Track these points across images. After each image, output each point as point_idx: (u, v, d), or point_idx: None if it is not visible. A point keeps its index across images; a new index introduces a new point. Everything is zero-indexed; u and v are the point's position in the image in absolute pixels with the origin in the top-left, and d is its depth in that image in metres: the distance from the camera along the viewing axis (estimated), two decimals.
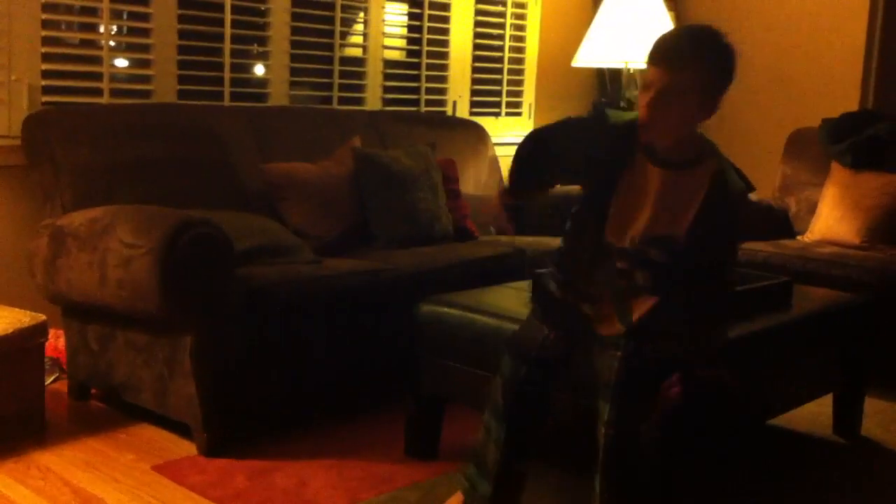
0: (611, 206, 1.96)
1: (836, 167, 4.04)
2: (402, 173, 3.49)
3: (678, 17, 4.80)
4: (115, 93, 3.40)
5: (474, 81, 4.66)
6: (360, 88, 4.20)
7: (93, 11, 3.36)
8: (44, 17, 3.20)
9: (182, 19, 3.54)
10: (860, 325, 2.92)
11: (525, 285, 2.62)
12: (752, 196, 4.13)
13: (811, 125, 4.32)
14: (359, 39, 4.25)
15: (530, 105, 4.92)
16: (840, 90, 4.67)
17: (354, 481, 2.45)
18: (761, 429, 2.91)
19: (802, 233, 4.06)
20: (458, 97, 4.58)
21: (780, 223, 4.18)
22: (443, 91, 4.53)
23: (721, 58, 1.91)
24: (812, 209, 4.07)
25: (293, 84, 3.97)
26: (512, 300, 2.58)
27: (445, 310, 2.55)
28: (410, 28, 4.43)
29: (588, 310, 2.03)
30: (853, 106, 4.55)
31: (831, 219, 3.91)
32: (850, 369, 2.92)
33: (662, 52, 1.89)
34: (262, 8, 3.81)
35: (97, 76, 3.36)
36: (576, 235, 2.05)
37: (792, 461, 2.78)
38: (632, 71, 4.72)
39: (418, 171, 3.55)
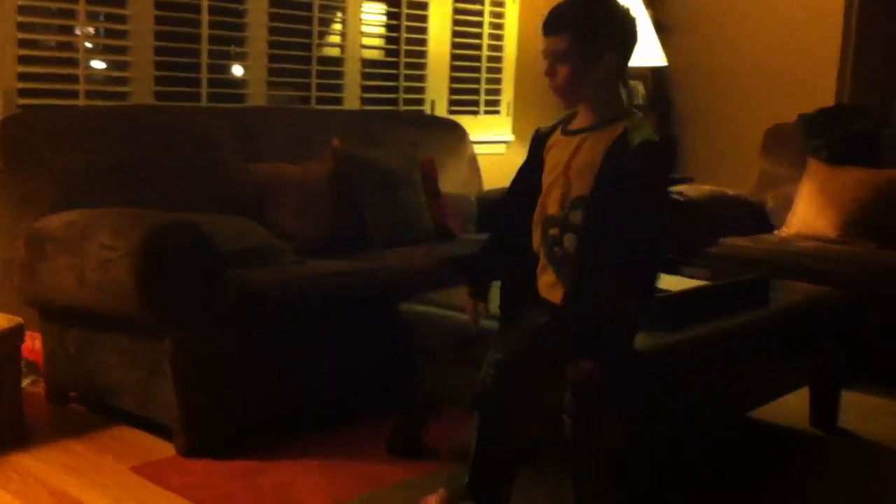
0: (542, 183, 2.08)
1: (812, 162, 4.07)
2: (389, 173, 3.50)
3: (656, 16, 4.82)
4: (91, 95, 3.38)
5: (452, 80, 4.67)
6: (339, 88, 4.20)
7: (69, 14, 3.34)
8: (20, 19, 3.19)
9: (159, 20, 3.53)
10: (837, 318, 2.95)
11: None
12: (729, 191, 4.21)
13: (788, 121, 4.35)
14: (337, 39, 4.25)
15: (509, 104, 4.93)
16: (817, 86, 4.71)
17: (339, 481, 2.45)
18: (740, 421, 2.93)
19: (780, 227, 4.09)
20: (437, 96, 4.58)
21: (758, 218, 4.20)
22: (421, 90, 4.53)
23: (594, 14, 2.02)
24: (789, 204, 4.09)
25: (271, 84, 3.96)
26: (494, 297, 2.58)
27: (428, 308, 2.56)
28: (388, 27, 4.43)
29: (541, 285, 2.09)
30: (829, 101, 4.58)
31: (808, 213, 3.94)
32: (827, 362, 2.94)
33: (545, 21, 2.06)
34: (240, 8, 3.80)
35: (74, 78, 3.34)
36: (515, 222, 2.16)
37: (770, 453, 2.80)
38: None
39: (400, 169, 3.55)
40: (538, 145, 2.15)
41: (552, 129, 2.14)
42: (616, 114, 2.03)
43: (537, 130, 2.20)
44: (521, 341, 2.11)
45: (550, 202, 2.06)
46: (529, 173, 2.16)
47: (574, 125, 2.09)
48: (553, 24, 2.04)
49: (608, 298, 1.92)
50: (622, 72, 2.06)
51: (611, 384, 1.94)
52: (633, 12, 2.08)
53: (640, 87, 5.26)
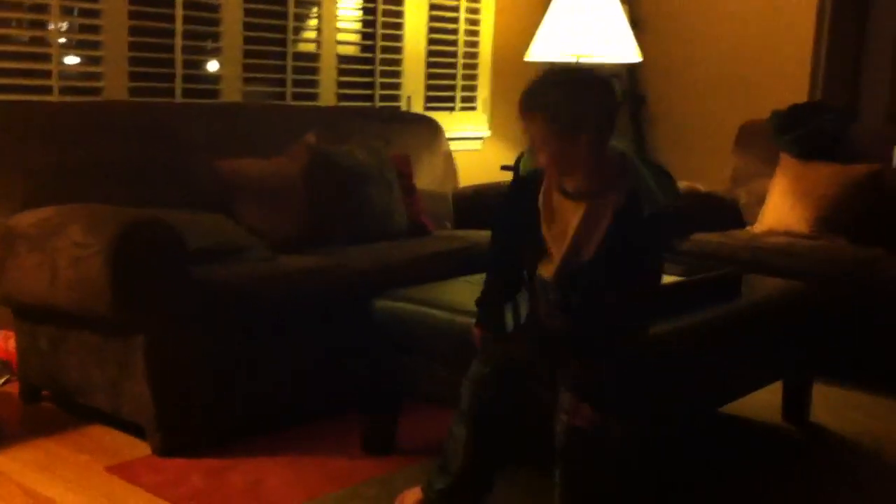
0: (543, 241, 2.08)
1: (785, 158, 4.10)
2: (357, 169, 3.49)
3: (630, 12, 4.84)
4: (64, 90, 3.36)
5: (429, 76, 4.67)
6: (314, 84, 4.19)
7: (42, 8, 3.32)
8: None
9: (133, 16, 3.51)
10: (809, 313, 2.98)
11: (479, 279, 2.64)
12: (701, 188, 4.23)
13: (762, 117, 4.38)
14: (312, 35, 4.24)
15: (485, 100, 4.94)
16: (790, 83, 4.74)
17: (311, 478, 2.46)
18: (712, 416, 2.96)
19: (752, 223, 4.12)
20: (413, 92, 4.58)
21: (730, 214, 4.23)
22: (397, 86, 4.53)
23: (564, 97, 1.97)
24: (762, 200, 4.12)
25: (246, 80, 3.95)
26: (467, 294, 2.59)
27: (401, 305, 2.56)
28: (364, 23, 4.43)
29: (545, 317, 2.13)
30: (802, 98, 4.62)
31: (780, 209, 3.97)
32: (799, 357, 2.97)
33: (520, 103, 2.00)
34: (215, 3, 3.78)
35: (47, 74, 3.32)
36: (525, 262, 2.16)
37: (741, 447, 2.83)
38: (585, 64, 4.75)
39: (372, 166, 3.55)
40: (526, 191, 2.11)
41: (539, 176, 2.10)
42: (612, 175, 2.01)
43: (520, 177, 2.17)
44: (512, 356, 2.15)
45: (554, 261, 2.06)
46: (518, 215, 2.14)
47: (570, 187, 2.05)
48: (527, 103, 2.00)
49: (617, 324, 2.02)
50: (608, 139, 2.02)
51: (612, 390, 2.01)
52: (612, 83, 2.07)
53: (614, 84, 5.28)
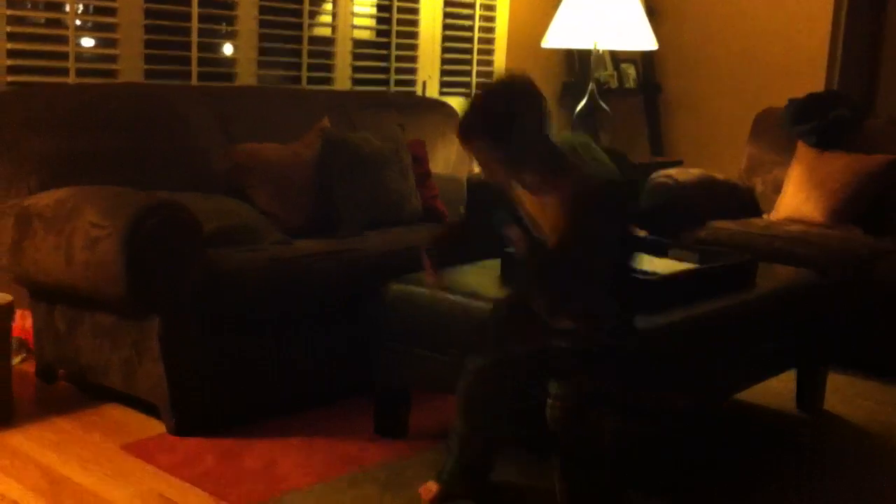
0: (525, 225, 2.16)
1: (801, 147, 4.09)
2: (372, 154, 3.49)
3: (646, 0, 4.83)
4: (81, 72, 3.37)
5: (444, 61, 4.66)
6: (329, 68, 4.19)
7: None
8: None
9: None
10: (823, 302, 2.97)
11: (494, 264, 2.64)
12: (718, 175, 4.22)
13: (778, 106, 4.36)
14: (328, 19, 4.23)
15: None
16: (806, 71, 4.72)
17: (324, 461, 2.47)
18: (726, 403, 2.96)
19: (768, 212, 4.11)
20: (428, 77, 4.58)
21: (746, 202, 4.22)
22: (412, 71, 4.52)
23: (487, 116, 2.05)
24: (778, 189, 4.11)
25: (261, 64, 3.95)
26: (481, 279, 2.60)
27: (414, 289, 2.56)
28: (380, 7, 4.42)
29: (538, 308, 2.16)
30: (819, 86, 4.60)
31: (796, 198, 3.96)
32: (813, 345, 2.96)
33: (458, 136, 2.11)
34: None
35: (63, 55, 3.33)
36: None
37: (756, 435, 2.83)
38: (601, 52, 4.74)
39: (388, 152, 3.55)
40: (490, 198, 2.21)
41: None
42: (561, 161, 2.08)
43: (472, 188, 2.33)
44: (512, 351, 2.18)
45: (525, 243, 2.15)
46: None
47: (526, 183, 2.11)
48: (463, 135, 2.09)
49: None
50: (542, 128, 2.07)
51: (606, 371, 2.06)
52: (526, 79, 2.11)
53: (630, 71, 5.27)
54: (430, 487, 2.26)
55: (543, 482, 2.19)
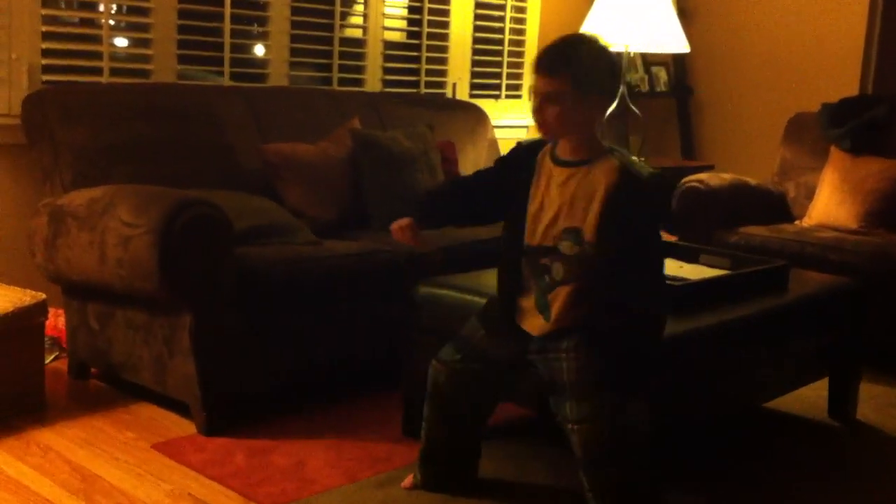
0: (527, 212, 2.09)
1: (835, 151, 4.04)
2: (401, 154, 3.49)
3: (678, 2, 4.79)
4: (114, 72, 3.40)
5: (474, 64, 4.66)
6: (360, 70, 4.20)
7: None
8: None
9: None
10: (856, 309, 2.93)
11: None
12: (750, 180, 4.19)
13: (811, 109, 4.32)
14: (359, 20, 4.24)
15: (530, 88, 4.91)
16: (840, 75, 4.67)
17: (353, 461, 2.47)
18: (758, 411, 2.93)
19: (800, 217, 4.07)
20: (458, 79, 4.58)
21: (778, 207, 4.18)
22: (443, 73, 4.52)
23: (588, 59, 2.03)
24: (810, 194, 4.07)
25: (293, 64, 3.97)
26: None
27: (443, 291, 2.56)
28: (411, 9, 4.42)
29: (520, 311, 2.13)
30: (853, 90, 4.55)
31: (830, 203, 3.92)
32: (845, 353, 2.93)
33: (538, 60, 2.07)
34: None
35: (97, 55, 3.36)
36: (507, 246, 2.16)
37: (787, 444, 2.80)
38: (633, 54, 4.71)
39: (417, 152, 3.55)
40: (522, 161, 2.15)
41: (537, 149, 2.14)
42: (601, 148, 2.06)
43: (519, 144, 2.23)
44: (490, 354, 2.17)
45: (539, 230, 2.07)
46: (500, 180, 2.19)
47: (563, 155, 2.08)
48: (550, 64, 2.04)
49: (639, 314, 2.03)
50: (609, 106, 2.12)
51: (635, 372, 2.02)
52: (614, 51, 2.14)
53: (661, 74, 5.24)
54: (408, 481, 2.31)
55: (535, 478, 2.17)
